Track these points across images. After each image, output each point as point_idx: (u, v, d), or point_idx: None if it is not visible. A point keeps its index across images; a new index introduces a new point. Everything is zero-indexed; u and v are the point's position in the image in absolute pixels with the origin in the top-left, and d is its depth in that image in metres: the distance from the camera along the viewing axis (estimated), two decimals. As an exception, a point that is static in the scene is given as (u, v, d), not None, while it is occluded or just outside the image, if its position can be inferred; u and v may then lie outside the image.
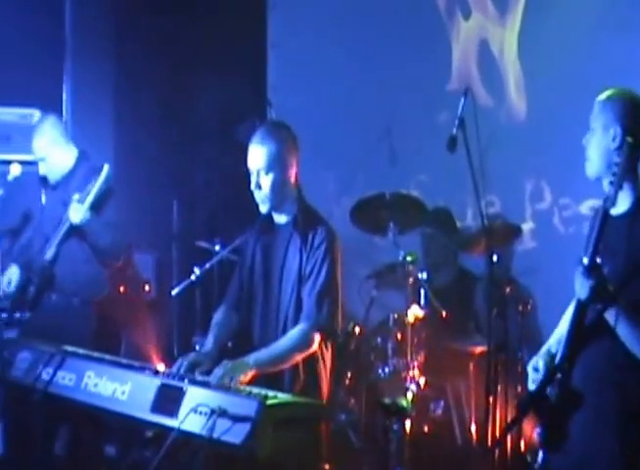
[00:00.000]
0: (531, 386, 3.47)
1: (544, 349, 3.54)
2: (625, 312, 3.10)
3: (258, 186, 4.07)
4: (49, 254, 5.26)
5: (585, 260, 3.17)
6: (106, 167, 5.08)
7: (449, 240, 6.18)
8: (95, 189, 5.05)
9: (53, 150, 5.35)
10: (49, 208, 5.45)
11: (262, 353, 3.92)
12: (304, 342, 3.96)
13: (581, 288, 3.15)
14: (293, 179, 4.14)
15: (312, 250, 4.03)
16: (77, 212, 5.08)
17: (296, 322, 4.00)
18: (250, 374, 3.79)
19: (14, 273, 5.45)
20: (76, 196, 5.08)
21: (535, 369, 3.47)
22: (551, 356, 3.47)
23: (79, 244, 5.27)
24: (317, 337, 3.98)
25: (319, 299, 3.98)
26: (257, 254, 4.22)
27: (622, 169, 3.16)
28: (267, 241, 4.22)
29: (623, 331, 3.12)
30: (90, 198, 5.05)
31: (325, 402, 4.09)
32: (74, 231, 5.21)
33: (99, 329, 5.34)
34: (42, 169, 5.41)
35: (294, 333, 3.96)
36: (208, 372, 3.83)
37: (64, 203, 5.26)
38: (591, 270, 3.13)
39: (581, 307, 3.25)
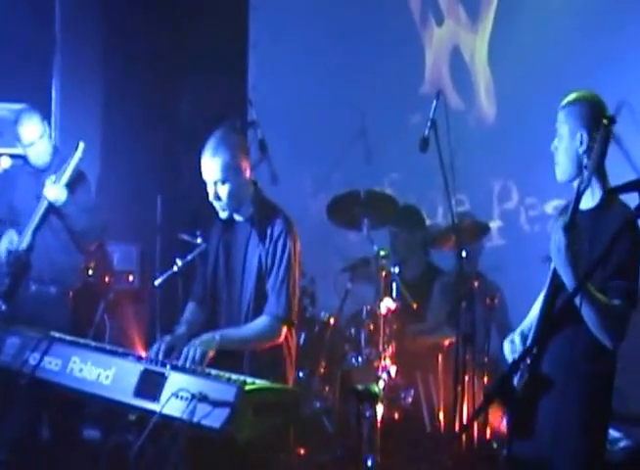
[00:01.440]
0: (510, 357, 3.50)
1: (518, 330, 3.59)
2: (590, 293, 3.15)
3: (217, 197, 4.10)
4: (24, 242, 5.34)
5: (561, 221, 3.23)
6: (81, 145, 5.15)
7: (414, 237, 6.29)
8: (71, 166, 5.14)
9: (40, 141, 5.42)
10: (26, 199, 5.50)
11: (229, 332, 4.03)
12: (271, 331, 4.06)
13: (555, 241, 3.21)
14: (247, 179, 4.18)
15: (271, 242, 4.10)
16: (53, 190, 5.16)
17: (257, 316, 4.08)
18: (214, 348, 3.87)
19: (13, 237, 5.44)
20: (52, 177, 5.16)
21: (512, 342, 3.51)
22: (524, 337, 3.51)
23: (54, 233, 5.37)
24: (284, 329, 4.09)
25: (280, 291, 4.06)
26: (220, 251, 4.28)
27: (597, 152, 3.23)
28: (229, 238, 4.27)
29: (587, 312, 3.17)
30: (67, 175, 5.13)
31: (295, 388, 4.19)
32: (50, 215, 5.29)
33: (74, 319, 5.44)
34: (31, 155, 5.44)
35: (260, 321, 4.06)
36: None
37: (36, 196, 5.36)
38: (567, 227, 3.19)
39: (552, 293, 3.33)
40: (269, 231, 4.12)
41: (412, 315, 5.84)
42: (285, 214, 4.20)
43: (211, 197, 4.13)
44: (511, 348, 3.53)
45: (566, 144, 3.39)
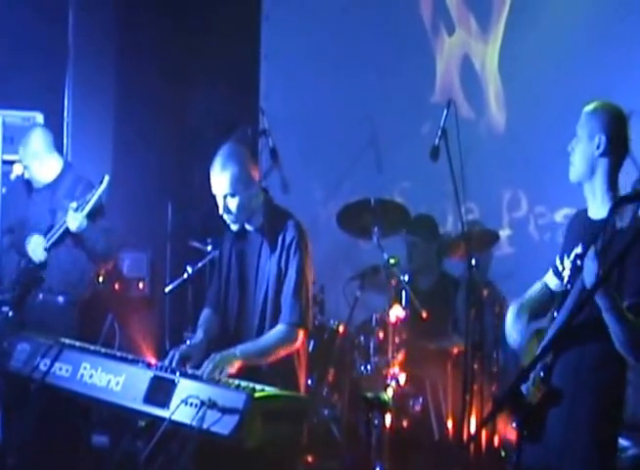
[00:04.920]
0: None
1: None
2: (622, 311, 3.15)
3: (227, 210, 4.12)
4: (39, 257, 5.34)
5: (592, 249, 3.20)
6: (106, 178, 5.15)
7: (431, 246, 6.28)
8: (94, 198, 5.13)
9: (33, 161, 5.48)
10: (33, 211, 5.54)
11: (248, 346, 4.02)
12: (289, 338, 4.06)
13: (588, 272, 3.19)
14: (257, 189, 4.19)
15: (283, 249, 4.12)
16: (75, 220, 5.16)
17: (268, 326, 4.10)
18: (236, 365, 3.88)
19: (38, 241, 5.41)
20: (74, 204, 5.14)
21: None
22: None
23: (67, 249, 5.37)
24: (301, 334, 4.09)
25: (294, 298, 4.07)
26: (233, 260, 4.30)
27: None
28: (241, 248, 4.28)
29: (615, 329, 3.16)
30: (89, 207, 5.13)
31: (304, 395, 4.17)
32: (67, 237, 5.30)
33: (83, 326, 5.44)
34: (26, 175, 5.56)
35: (277, 330, 4.06)
36: (198, 365, 3.91)
37: (50, 210, 5.39)
38: (598, 255, 3.16)
39: (583, 299, 3.27)
40: (280, 239, 4.14)
41: (421, 324, 5.81)
42: (296, 221, 4.21)
43: (221, 210, 4.15)
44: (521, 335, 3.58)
45: (583, 146, 3.43)
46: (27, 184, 5.65)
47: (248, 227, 4.25)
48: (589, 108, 3.48)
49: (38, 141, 5.51)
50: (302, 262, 4.12)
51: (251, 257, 4.24)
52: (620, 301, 3.20)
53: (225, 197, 4.11)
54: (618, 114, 3.46)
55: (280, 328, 4.07)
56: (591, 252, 3.21)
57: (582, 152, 3.42)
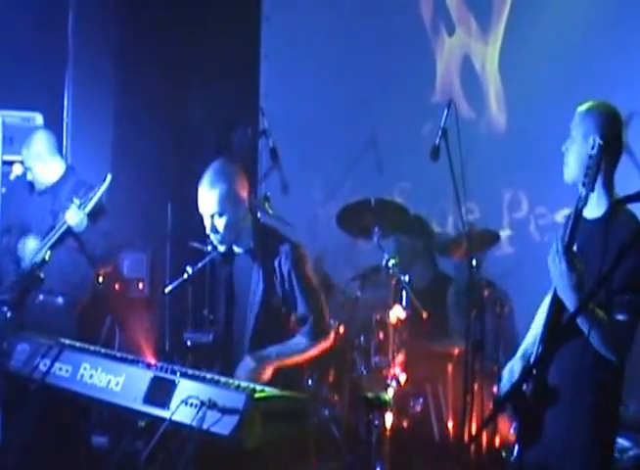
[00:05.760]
0: (505, 387, 3.53)
1: (519, 353, 3.60)
2: (592, 314, 3.16)
3: (214, 230, 4.09)
4: (39, 257, 5.32)
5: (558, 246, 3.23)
6: (108, 177, 5.17)
7: (417, 243, 6.32)
8: (97, 196, 5.16)
9: (36, 163, 5.51)
10: (34, 213, 5.56)
11: (282, 350, 4.09)
12: (314, 346, 4.16)
13: (554, 268, 3.22)
14: (246, 210, 4.16)
15: (284, 279, 4.13)
16: (76, 216, 5.17)
17: (255, 345, 4.12)
18: (270, 369, 3.97)
19: (33, 244, 5.43)
20: (77, 201, 5.15)
21: (511, 372, 3.54)
22: (527, 359, 3.52)
23: (67, 250, 5.38)
24: (330, 338, 4.20)
25: (313, 316, 4.13)
26: (222, 280, 4.33)
27: (593, 170, 3.24)
28: (229, 268, 4.28)
29: (589, 331, 3.16)
30: (91, 204, 5.15)
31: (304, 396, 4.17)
32: (67, 237, 5.31)
33: (82, 326, 5.46)
34: (29, 177, 5.59)
35: (303, 342, 4.14)
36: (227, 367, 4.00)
37: (51, 211, 5.41)
38: (566, 251, 3.19)
39: (556, 304, 3.31)
40: (277, 264, 4.13)
41: (422, 324, 5.81)
42: (288, 241, 4.19)
43: (208, 230, 4.11)
44: (509, 376, 3.55)
45: (577, 146, 3.41)
46: (29, 186, 5.66)
47: (236, 249, 4.23)
48: (583, 108, 3.46)
49: (41, 143, 5.53)
50: (307, 282, 4.14)
51: (241, 281, 4.23)
52: (608, 298, 3.19)
53: (212, 216, 4.07)
54: (613, 113, 3.43)
55: (305, 341, 4.14)
56: (553, 250, 3.23)
57: (577, 152, 3.40)
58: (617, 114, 3.45)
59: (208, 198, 4.05)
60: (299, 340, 4.15)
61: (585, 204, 3.28)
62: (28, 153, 5.53)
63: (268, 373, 3.95)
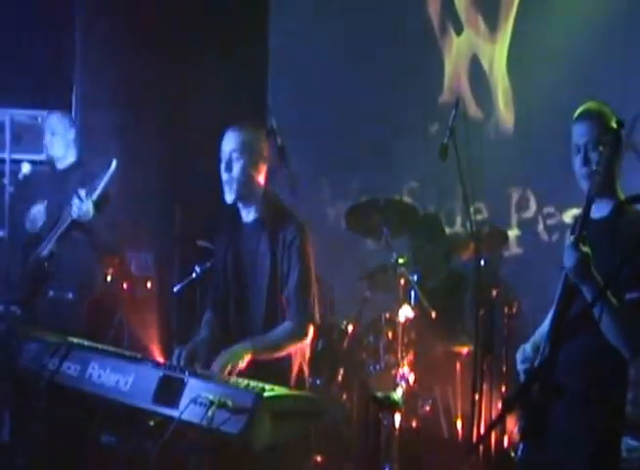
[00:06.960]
0: (520, 366, 3.54)
1: (530, 341, 3.59)
2: (612, 303, 3.16)
3: (229, 167, 4.07)
4: (47, 250, 5.36)
5: (572, 238, 3.25)
6: (114, 163, 5.18)
7: (436, 246, 6.29)
8: (103, 183, 5.15)
9: (52, 138, 5.59)
10: (46, 207, 5.55)
11: (259, 340, 4.02)
12: (299, 334, 4.07)
13: (568, 259, 3.21)
14: (262, 178, 4.17)
15: (285, 248, 4.09)
16: (83, 206, 5.17)
17: (269, 321, 4.09)
18: (246, 359, 3.89)
19: (39, 212, 5.50)
20: (82, 192, 5.16)
21: (523, 350, 3.54)
22: (536, 347, 3.51)
23: (74, 243, 5.38)
24: (311, 329, 4.10)
25: (301, 296, 4.06)
26: (229, 256, 4.27)
27: (607, 158, 3.24)
28: (237, 242, 4.25)
29: (607, 323, 3.16)
30: (98, 192, 5.14)
31: (314, 395, 4.18)
32: (74, 229, 5.31)
33: (91, 325, 5.45)
34: (50, 152, 5.63)
35: (287, 327, 4.06)
36: (206, 363, 3.94)
37: (58, 204, 5.41)
38: (577, 242, 3.20)
39: (566, 299, 3.32)
40: (281, 236, 4.11)
41: (431, 324, 5.81)
42: (297, 220, 4.18)
43: (223, 167, 4.11)
44: (522, 356, 3.56)
45: (597, 153, 3.34)
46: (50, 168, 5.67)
47: (244, 217, 4.21)
48: (577, 115, 3.43)
49: (56, 118, 5.62)
50: (306, 260, 4.10)
51: (248, 251, 4.20)
52: (622, 294, 3.19)
53: (231, 154, 4.08)
54: (610, 113, 3.41)
55: (290, 325, 4.07)
56: (569, 240, 3.23)
57: (605, 161, 3.30)
58: (613, 112, 3.42)
59: (233, 136, 4.10)
60: (283, 326, 4.07)
61: (597, 193, 3.26)
62: (49, 121, 5.62)
63: (241, 364, 3.88)
